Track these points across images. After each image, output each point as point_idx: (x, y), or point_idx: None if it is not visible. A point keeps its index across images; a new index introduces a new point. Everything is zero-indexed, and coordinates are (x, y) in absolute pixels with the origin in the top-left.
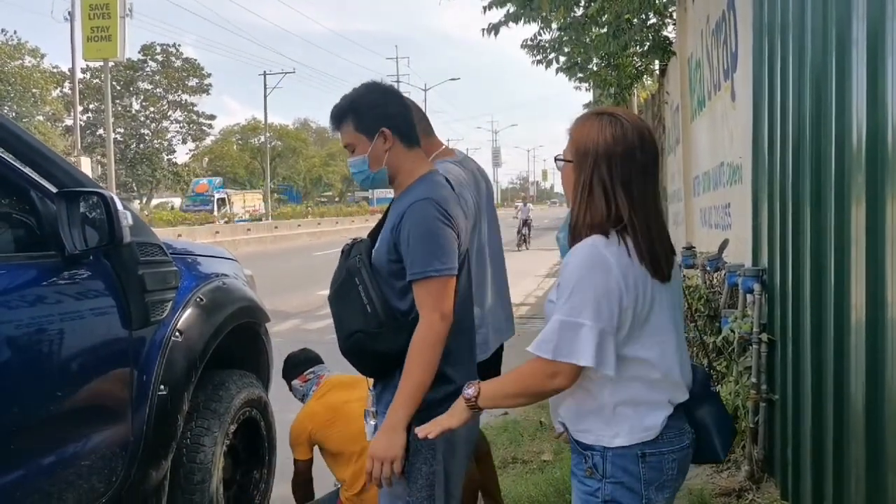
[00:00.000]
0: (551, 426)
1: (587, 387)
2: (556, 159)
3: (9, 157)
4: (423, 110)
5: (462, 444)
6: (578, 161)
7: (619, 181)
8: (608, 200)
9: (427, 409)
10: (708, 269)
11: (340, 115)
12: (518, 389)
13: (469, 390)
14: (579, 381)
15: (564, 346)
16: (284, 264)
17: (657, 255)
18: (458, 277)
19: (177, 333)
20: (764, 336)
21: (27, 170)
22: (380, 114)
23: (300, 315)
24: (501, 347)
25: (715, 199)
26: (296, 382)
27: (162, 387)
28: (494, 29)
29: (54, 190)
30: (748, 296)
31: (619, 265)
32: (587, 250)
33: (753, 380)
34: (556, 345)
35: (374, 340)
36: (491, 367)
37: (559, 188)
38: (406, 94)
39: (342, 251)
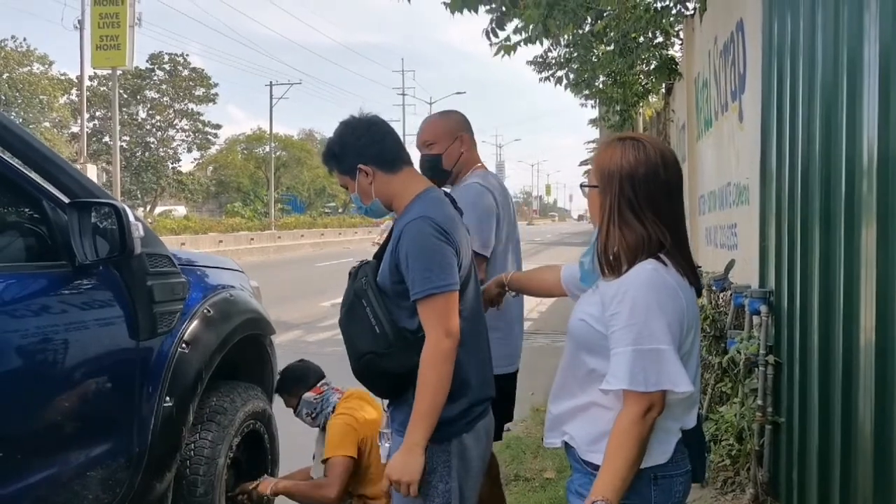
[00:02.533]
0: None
1: (607, 407)
2: (581, 186)
3: (22, 167)
4: (467, 123)
5: (476, 461)
6: (603, 185)
7: (645, 202)
8: (641, 222)
9: (445, 424)
10: (714, 289)
11: (326, 162)
12: (634, 452)
13: None
14: (596, 400)
15: (653, 375)
16: (287, 274)
17: (697, 276)
18: (463, 292)
19: (184, 345)
20: (771, 358)
21: (40, 179)
22: (354, 152)
23: (302, 326)
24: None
25: (721, 219)
26: (309, 395)
27: (167, 398)
28: (506, 49)
29: (66, 200)
30: (755, 317)
31: (680, 288)
32: (649, 275)
33: (759, 402)
34: (646, 376)
35: (384, 361)
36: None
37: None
38: (410, 107)
39: (349, 273)
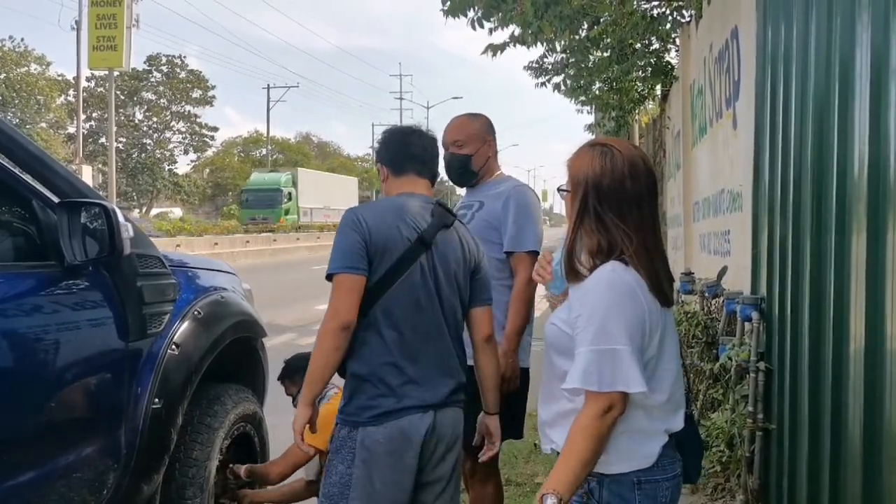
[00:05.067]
0: (543, 448)
1: None
2: (558, 189)
3: (11, 166)
4: (493, 127)
5: (387, 457)
6: (573, 191)
7: (609, 211)
8: (599, 229)
9: (346, 414)
10: (706, 295)
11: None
12: (589, 449)
13: (548, 500)
14: (578, 406)
15: (607, 375)
16: (282, 277)
17: (660, 283)
18: (386, 285)
19: (173, 346)
20: (762, 365)
21: (29, 179)
22: (378, 151)
23: (295, 329)
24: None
25: (715, 226)
26: None
27: (156, 400)
28: (498, 49)
29: (56, 200)
30: (746, 324)
31: (641, 291)
32: (608, 276)
33: (750, 408)
34: (600, 376)
35: None
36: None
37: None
38: (407, 111)
39: None
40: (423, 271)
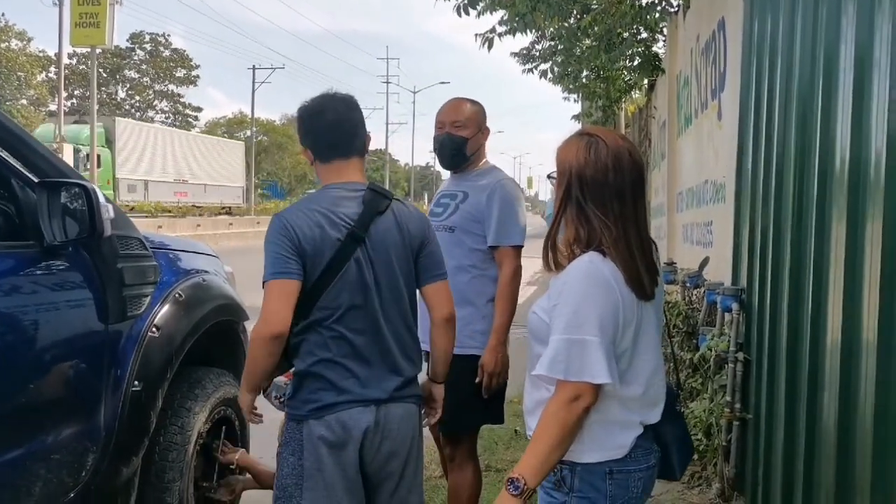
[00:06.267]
0: (525, 434)
1: None
2: (548, 176)
3: None
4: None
5: (326, 447)
6: (559, 180)
7: (591, 202)
8: (580, 219)
9: (291, 407)
10: (688, 285)
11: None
12: (555, 436)
13: (512, 486)
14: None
15: (575, 365)
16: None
17: (639, 276)
18: (323, 286)
19: (154, 329)
20: (740, 355)
21: (8, 157)
22: (301, 133)
23: None
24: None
25: (698, 217)
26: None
27: (136, 382)
28: (488, 42)
29: (36, 179)
30: (726, 314)
31: (616, 283)
32: (586, 267)
33: (728, 398)
34: (567, 364)
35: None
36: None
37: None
38: (394, 94)
39: None
40: (359, 266)
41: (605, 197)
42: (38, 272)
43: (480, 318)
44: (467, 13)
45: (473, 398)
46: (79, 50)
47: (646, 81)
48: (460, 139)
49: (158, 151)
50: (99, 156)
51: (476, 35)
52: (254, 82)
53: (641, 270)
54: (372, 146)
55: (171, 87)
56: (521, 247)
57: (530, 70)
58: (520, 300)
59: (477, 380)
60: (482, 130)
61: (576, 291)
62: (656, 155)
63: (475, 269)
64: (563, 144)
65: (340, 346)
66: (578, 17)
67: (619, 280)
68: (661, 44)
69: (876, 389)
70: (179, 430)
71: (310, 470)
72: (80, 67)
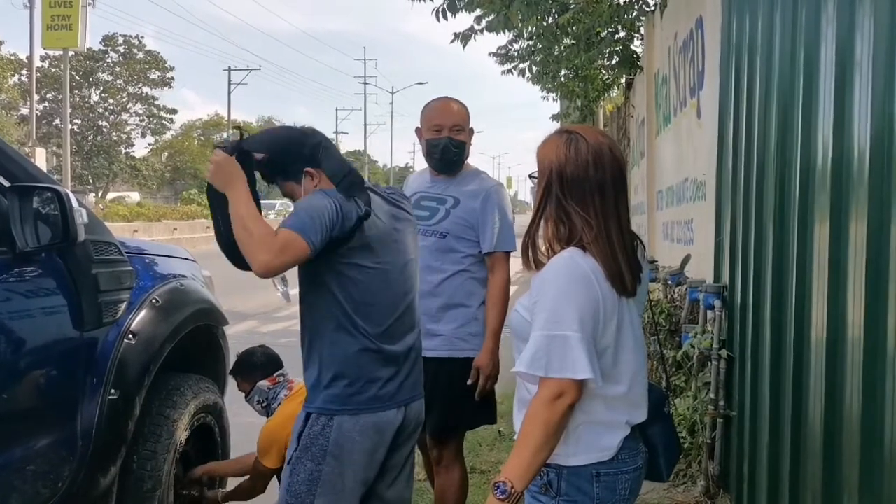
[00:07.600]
0: (510, 436)
1: None
2: (530, 176)
3: None
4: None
5: (359, 453)
6: (539, 178)
7: (572, 199)
8: (560, 216)
9: (329, 401)
10: (670, 283)
11: (268, 177)
12: (539, 436)
13: (499, 490)
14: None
15: (556, 361)
16: None
17: (620, 272)
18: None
19: (130, 336)
20: (723, 352)
21: None
22: (304, 159)
23: (257, 316)
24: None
25: (678, 215)
26: (263, 383)
27: (112, 390)
28: (464, 38)
29: (6, 184)
30: (709, 312)
31: (596, 278)
32: (566, 262)
33: (712, 396)
34: (549, 361)
35: None
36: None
37: (522, 196)
38: (372, 95)
39: None
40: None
41: (586, 193)
42: (11, 279)
43: (473, 320)
44: (446, 18)
45: (467, 400)
46: (51, 53)
47: (623, 80)
48: (461, 144)
49: None
50: None
51: (454, 34)
52: (229, 84)
53: (622, 266)
54: (350, 147)
55: (146, 89)
56: (513, 251)
57: (509, 71)
58: None
59: (469, 382)
60: (471, 134)
61: (555, 287)
62: (635, 153)
63: (467, 272)
64: (544, 142)
65: (359, 339)
66: (556, 14)
67: (600, 275)
68: (638, 42)
69: (862, 385)
70: (158, 438)
71: (327, 476)
72: (53, 70)
